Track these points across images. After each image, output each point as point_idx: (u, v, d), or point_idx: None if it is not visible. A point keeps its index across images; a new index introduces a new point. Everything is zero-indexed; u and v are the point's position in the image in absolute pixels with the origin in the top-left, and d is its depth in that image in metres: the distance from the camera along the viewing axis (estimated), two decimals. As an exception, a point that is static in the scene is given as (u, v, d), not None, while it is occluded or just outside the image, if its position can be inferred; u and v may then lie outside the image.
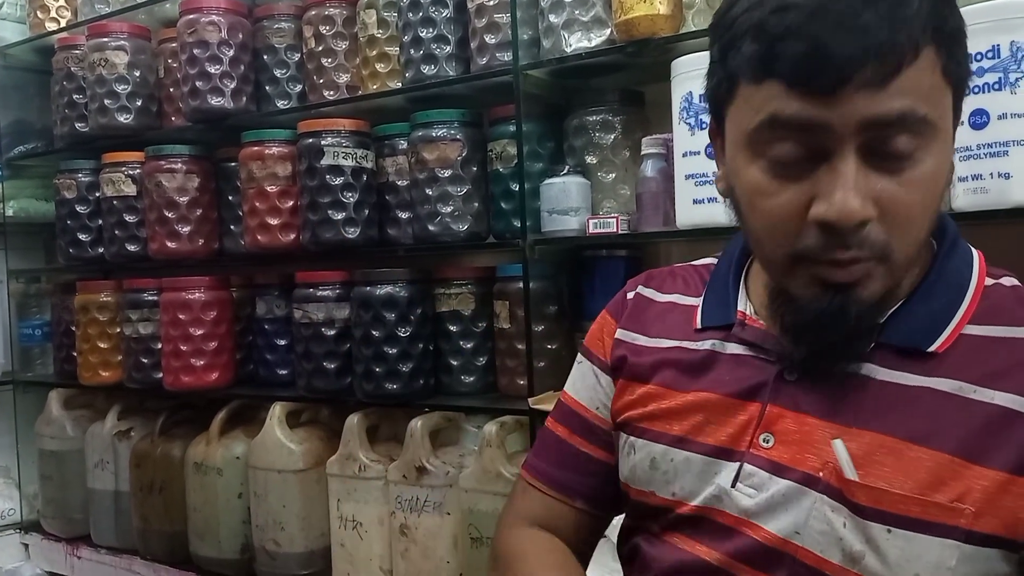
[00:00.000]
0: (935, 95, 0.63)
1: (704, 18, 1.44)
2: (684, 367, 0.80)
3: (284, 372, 1.98)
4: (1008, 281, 0.73)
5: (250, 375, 2.07)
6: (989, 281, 0.73)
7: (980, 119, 1.17)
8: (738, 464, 0.73)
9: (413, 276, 1.75)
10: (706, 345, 0.79)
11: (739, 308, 0.79)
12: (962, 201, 1.19)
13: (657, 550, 0.79)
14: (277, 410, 1.86)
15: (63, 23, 2.34)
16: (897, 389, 0.68)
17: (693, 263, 0.90)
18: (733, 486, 0.73)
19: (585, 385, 0.90)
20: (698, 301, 0.84)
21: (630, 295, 0.90)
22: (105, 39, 2.08)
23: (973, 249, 0.75)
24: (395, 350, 1.71)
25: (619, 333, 0.87)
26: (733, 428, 0.74)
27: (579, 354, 0.93)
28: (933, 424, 0.66)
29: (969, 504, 0.64)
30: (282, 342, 1.97)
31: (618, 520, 1.43)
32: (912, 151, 0.63)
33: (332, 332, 1.80)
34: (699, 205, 1.39)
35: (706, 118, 1.37)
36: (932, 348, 0.69)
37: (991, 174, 1.15)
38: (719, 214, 1.36)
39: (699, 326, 0.81)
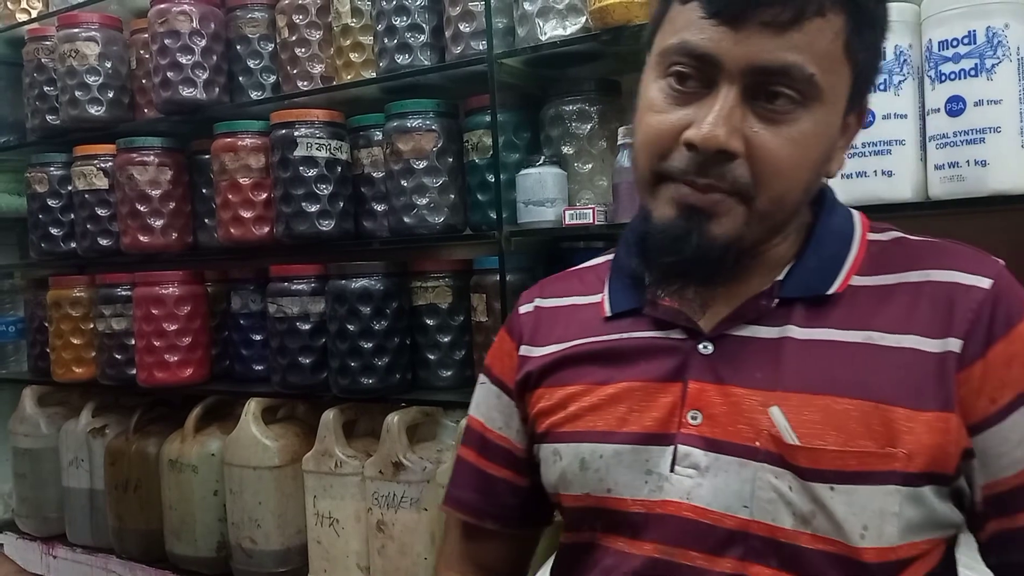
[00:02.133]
0: (830, 64, 0.66)
1: (680, 5, 1.42)
2: (599, 361, 0.78)
3: (260, 368, 1.95)
4: (890, 235, 0.76)
5: (225, 371, 2.04)
6: (872, 235, 0.76)
7: (956, 106, 1.16)
8: (672, 447, 0.72)
9: (389, 269, 1.72)
10: (618, 335, 0.78)
11: (648, 288, 0.78)
12: (938, 189, 1.18)
13: (601, 561, 0.76)
14: (252, 406, 1.83)
15: (34, 14, 2.29)
16: (812, 346, 0.70)
17: (586, 264, 0.90)
18: (672, 470, 0.72)
19: (487, 405, 0.90)
20: (599, 297, 0.83)
21: (523, 310, 0.89)
22: (76, 30, 2.04)
23: (852, 209, 0.79)
24: (371, 344, 1.69)
25: (522, 350, 0.85)
26: (659, 412, 0.73)
27: (482, 374, 0.92)
28: (853, 375, 0.68)
29: (901, 447, 0.65)
30: (257, 337, 1.95)
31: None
32: (792, 107, 0.65)
33: (307, 326, 1.77)
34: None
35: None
36: (831, 291, 0.71)
37: (967, 162, 1.14)
38: (695, 204, 1.35)
39: (608, 314, 0.81)
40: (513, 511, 0.89)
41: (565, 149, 1.60)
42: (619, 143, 1.50)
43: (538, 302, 0.88)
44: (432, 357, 1.72)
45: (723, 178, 0.66)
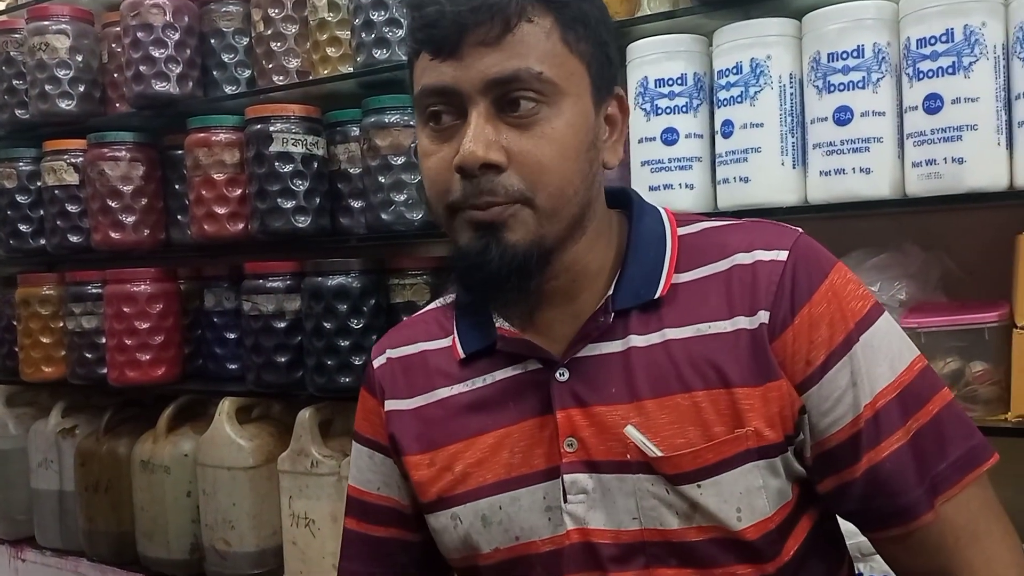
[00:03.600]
0: (557, 60, 0.71)
1: (660, 2, 1.42)
2: (469, 411, 0.80)
3: (234, 366, 1.92)
4: (697, 226, 0.81)
5: (199, 370, 2.00)
6: (681, 230, 0.80)
7: (934, 104, 1.16)
8: (559, 479, 0.75)
9: (366, 266, 1.70)
10: (481, 381, 0.80)
11: (496, 324, 0.80)
12: (915, 186, 1.18)
13: None
14: (226, 405, 1.80)
15: (2, 6, 2.25)
16: (654, 350, 0.74)
17: (427, 308, 0.92)
18: (565, 501, 0.74)
19: (360, 468, 0.90)
20: (449, 340, 0.84)
21: (377, 363, 0.89)
22: (46, 22, 2.00)
23: (659, 207, 0.83)
24: (348, 342, 1.67)
25: (388, 405, 0.85)
26: (541, 447, 0.76)
27: (353, 440, 0.92)
28: (692, 369, 0.73)
29: (748, 425, 0.71)
30: (232, 335, 1.92)
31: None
32: (536, 108, 0.71)
33: (282, 324, 1.74)
34: (655, 192, 1.36)
35: (662, 103, 1.36)
36: (657, 295, 0.76)
37: (944, 159, 1.15)
38: (675, 201, 1.35)
39: (462, 355, 0.82)
40: (409, 568, 0.90)
41: (544, 146, 1.58)
42: (598, 140, 1.49)
43: (389, 353, 0.88)
44: (410, 355, 1.70)
45: (496, 192, 0.70)
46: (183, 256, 2.07)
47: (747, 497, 0.71)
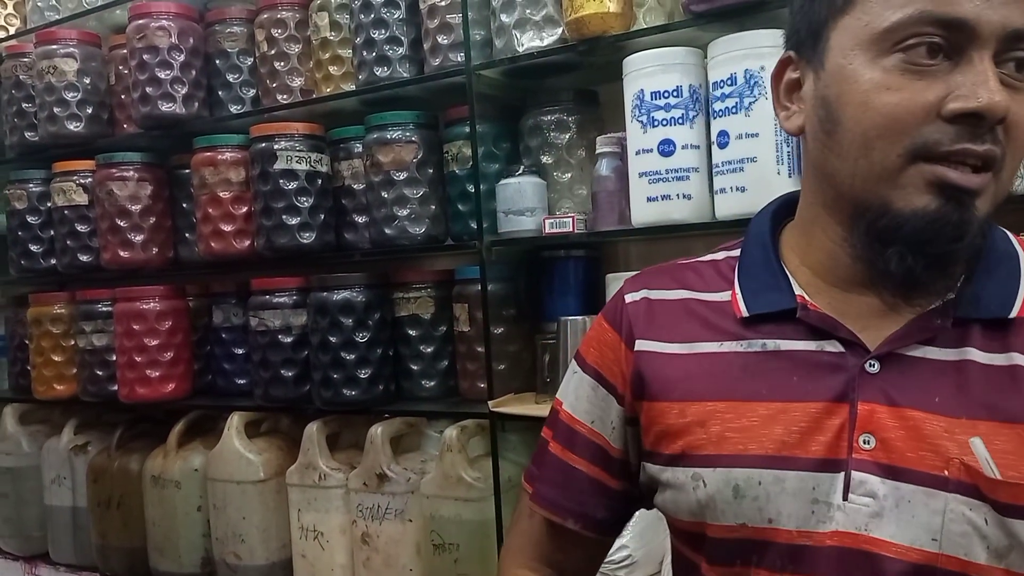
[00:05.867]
0: None
1: (655, 16, 1.44)
2: (742, 373, 0.72)
3: (242, 382, 1.94)
4: None
5: (208, 385, 2.03)
6: None
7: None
8: (843, 474, 0.66)
9: (371, 281, 1.72)
10: (758, 345, 0.72)
11: (796, 293, 0.72)
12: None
13: None
14: (235, 420, 1.82)
15: (12, 31, 2.29)
16: (998, 372, 0.66)
17: (700, 258, 0.83)
18: (845, 499, 0.66)
19: (577, 396, 0.83)
20: (726, 295, 0.76)
21: (630, 299, 0.80)
22: (54, 46, 2.04)
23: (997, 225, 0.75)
24: (353, 356, 1.69)
25: (639, 345, 0.77)
26: (825, 435, 0.67)
27: (574, 362, 0.84)
28: None
29: None
30: (240, 351, 1.94)
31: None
32: None
33: (289, 339, 1.77)
34: (653, 203, 1.38)
35: (658, 115, 1.37)
36: (1013, 314, 0.67)
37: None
38: (673, 211, 1.37)
39: (745, 314, 0.73)
40: (598, 512, 0.83)
41: (544, 159, 1.61)
42: (597, 152, 1.51)
43: (646, 292, 0.80)
44: (415, 368, 1.72)
45: (997, 143, 0.62)
46: (191, 273, 2.10)
47: None
